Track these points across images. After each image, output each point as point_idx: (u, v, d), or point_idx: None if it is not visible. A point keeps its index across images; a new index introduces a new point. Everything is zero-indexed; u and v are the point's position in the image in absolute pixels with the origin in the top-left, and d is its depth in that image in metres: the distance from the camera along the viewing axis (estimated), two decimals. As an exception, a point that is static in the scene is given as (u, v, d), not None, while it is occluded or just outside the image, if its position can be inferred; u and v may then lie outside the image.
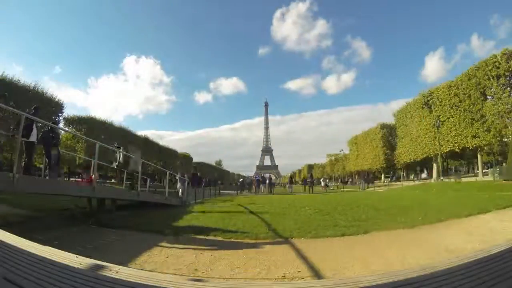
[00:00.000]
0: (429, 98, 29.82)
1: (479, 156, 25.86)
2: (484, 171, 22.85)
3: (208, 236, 5.84)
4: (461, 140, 25.48)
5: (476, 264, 1.70)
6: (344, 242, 5.23)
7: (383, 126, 40.46)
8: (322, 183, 34.61)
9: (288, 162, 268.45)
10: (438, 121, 28.55)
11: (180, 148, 58.37)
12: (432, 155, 30.32)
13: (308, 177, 30.18)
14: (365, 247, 4.84)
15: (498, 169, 20.11)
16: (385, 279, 1.57)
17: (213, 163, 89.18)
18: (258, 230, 6.21)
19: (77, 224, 7.37)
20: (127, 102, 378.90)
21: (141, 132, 40.29)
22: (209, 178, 42.44)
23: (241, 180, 41.09)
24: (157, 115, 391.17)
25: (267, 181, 29.15)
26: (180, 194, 14.15)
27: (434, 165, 31.13)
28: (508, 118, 21.20)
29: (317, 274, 3.54)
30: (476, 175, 26.53)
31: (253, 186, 29.72)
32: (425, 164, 35.32)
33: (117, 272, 1.72)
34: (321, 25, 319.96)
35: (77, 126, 28.31)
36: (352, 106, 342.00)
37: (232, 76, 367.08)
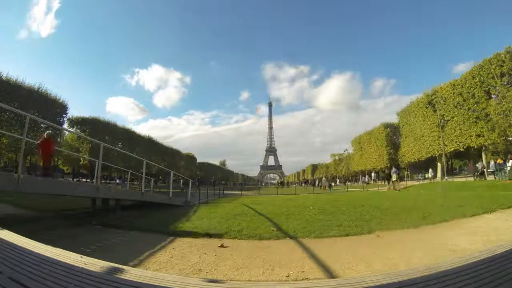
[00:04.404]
0: (433, 97, 29.65)
1: (483, 156, 25.68)
2: (488, 170, 22.63)
3: (212, 236, 5.85)
4: (466, 139, 25.31)
5: (481, 264, 1.69)
6: (348, 242, 5.22)
7: (387, 126, 40.27)
8: (326, 183, 34.54)
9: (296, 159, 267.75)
10: (442, 120, 28.38)
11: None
12: (436, 155, 30.14)
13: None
14: (369, 247, 4.82)
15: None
16: (389, 279, 1.56)
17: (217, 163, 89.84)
18: (262, 230, 6.21)
19: (81, 224, 7.42)
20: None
21: (144, 132, 40.56)
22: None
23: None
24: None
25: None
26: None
27: (438, 165, 30.94)
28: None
29: (321, 274, 3.54)
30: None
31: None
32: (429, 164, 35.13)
33: (121, 272, 1.72)
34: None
35: (81, 127, 28.48)
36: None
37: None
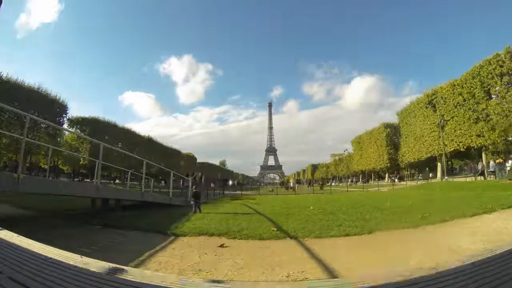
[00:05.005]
0: (433, 97, 29.64)
1: (483, 155, 25.67)
2: (489, 171, 22.60)
3: (212, 236, 5.86)
4: (466, 139, 25.31)
5: (480, 265, 1.68)
6: (348, 242, 5.22)
7: (387, 126, 40.30)
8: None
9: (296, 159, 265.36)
10: (442, 120, 28.38)
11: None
12: (436, 155, 30.14)
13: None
14: (369, 246, 4.83)
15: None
16: (389, 279, 1.56)
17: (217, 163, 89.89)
18: (262, 230, 6.21)
19: (81, 224, 7.42)
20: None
21: (144, 133, 40.49)
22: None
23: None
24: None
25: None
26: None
27: (438, 165, 30.94)
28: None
29: (321, 274, 3.54)
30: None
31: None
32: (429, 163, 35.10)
33: (121, 272, 1.72)
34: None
35: (81, 127, 28.51)
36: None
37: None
